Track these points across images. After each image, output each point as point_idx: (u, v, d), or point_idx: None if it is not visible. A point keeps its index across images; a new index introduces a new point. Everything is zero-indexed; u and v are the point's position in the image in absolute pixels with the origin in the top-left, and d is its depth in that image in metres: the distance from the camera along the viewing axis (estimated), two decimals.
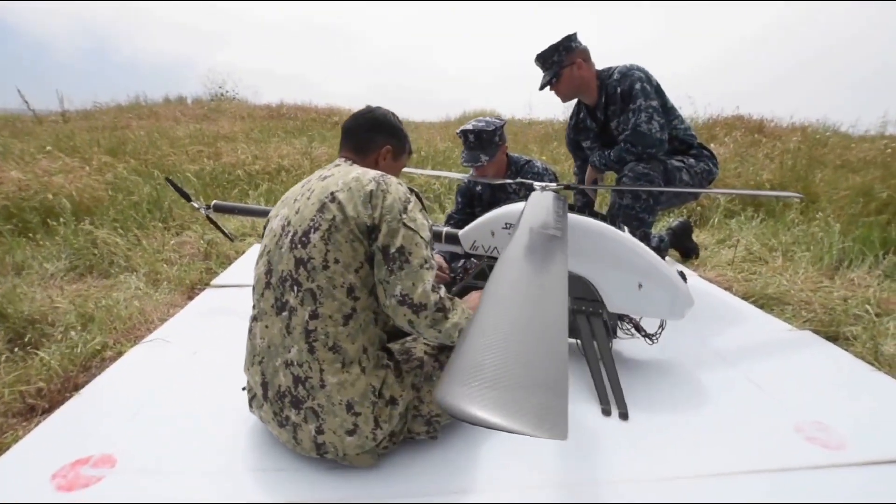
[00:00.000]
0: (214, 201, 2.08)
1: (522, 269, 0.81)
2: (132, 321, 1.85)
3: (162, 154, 4.59)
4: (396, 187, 1.07)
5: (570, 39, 1.99)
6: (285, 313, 1.03)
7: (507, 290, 0.72)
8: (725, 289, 2.27)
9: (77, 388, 1.43)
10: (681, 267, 2.53)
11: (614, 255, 1.39)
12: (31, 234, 2.70)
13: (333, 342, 1.00)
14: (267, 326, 1.06)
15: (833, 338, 1.77)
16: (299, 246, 1.03)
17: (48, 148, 3.87)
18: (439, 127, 7.20)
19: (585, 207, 2.30)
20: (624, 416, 1.28)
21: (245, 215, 2.06)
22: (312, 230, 1.02)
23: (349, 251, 1.01)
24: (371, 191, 1.04)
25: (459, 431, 1.21)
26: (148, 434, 1.21)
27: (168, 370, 1.51)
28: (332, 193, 1.04)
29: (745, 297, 2.15)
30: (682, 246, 2.67)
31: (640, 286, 1.38)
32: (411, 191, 1.12)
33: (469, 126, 1.88)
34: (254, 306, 1.12)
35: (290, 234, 1.06)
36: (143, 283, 2.21)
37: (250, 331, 1.12)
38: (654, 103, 1.91)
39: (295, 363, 1.01)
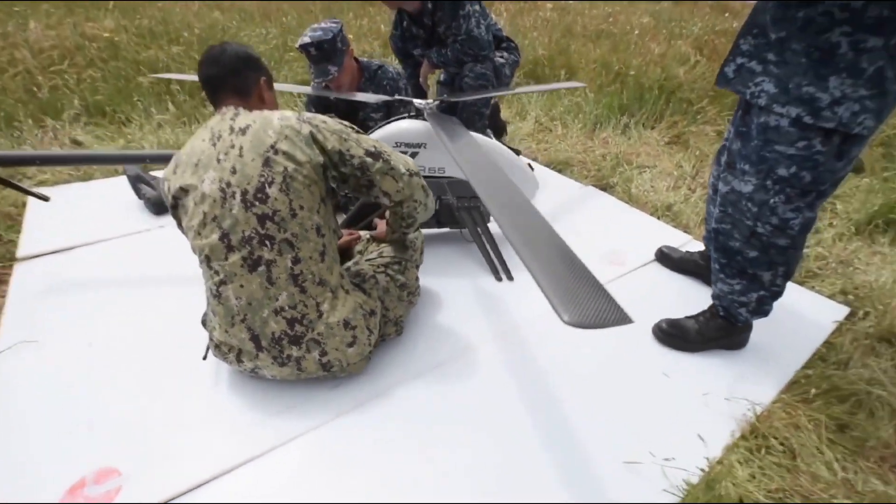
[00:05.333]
0: None
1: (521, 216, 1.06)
2: None
3: None
4: (321, 119, 1.16)
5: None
6: (262, 267, 1.10)
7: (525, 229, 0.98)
8: (533, 159, 2.90)
9: None
10: (527, 160, 3.05)
11: (493, 158, 1.72)
12: None
13: (319, 278, 1.15)
14: (242, 286, 1.11)
15: (603, 188, 2.57)
16: (257, 203, 1.07)
17: None
18: None
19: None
20: (510, 278, 1.77)
21: (43, 165, 1.62)
22: (267, 185, 1.07)
23: (308, 196, 1.11)
24: (310, 132, 1.11)
25: (411, 329, 1.51)
26: (125, 429, 1.17)
27: (90, 368, 1.34)
28: (271, 146, 1.08)
29: (547, 165, 2.82)
30: (493, 125, 3.18)
31: None
32: None
33: (307, 39, 1.77)
34: (215, 272, 1.13)
35: (239, 194, 1.07)
36: None
37: (218, 295, 1.14)
38: (478, 7, 2.12)
39: (287, 307, 1.13)
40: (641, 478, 1.12)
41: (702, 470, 1.14)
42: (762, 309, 1.39)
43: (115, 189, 2.17)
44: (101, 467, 1.08)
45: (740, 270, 1.35)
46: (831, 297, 1.80)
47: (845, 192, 2.54)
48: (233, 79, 1.19)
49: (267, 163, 1.07)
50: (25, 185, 1.95)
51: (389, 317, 1.36)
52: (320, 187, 1.14)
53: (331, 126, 1.16)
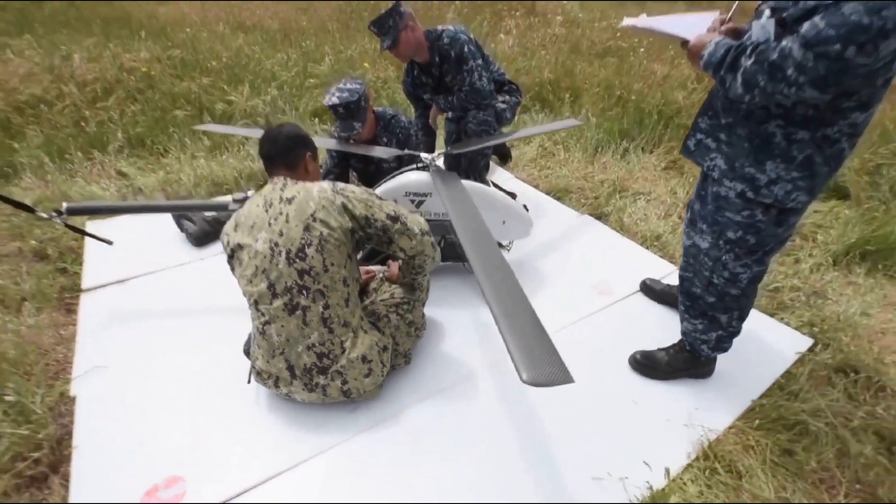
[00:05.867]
0: (65, 204, 1.84)
1: (495, 271, 1.29)
2: (29, 359, 1.72)
3: None
4: (352, 189, 1.42)
5: (399, 5, 2.22)
6: (299, 311, 1.36)
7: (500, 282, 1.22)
8: (535, 187, 3.12)
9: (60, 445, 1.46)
10: (523, 201, 3.26)
11: (489, 205, 1.95)
12: None
13: (344, 320, 1.40)
14: (283, 326, 1.38)
15: (599, 217, 2.77)
16: (298, 260, 1.34)
17: None
18: None
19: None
20: None
21: (111, 214, 1.90)
22: (306, 246, 1.33)
23: (338, 254, 1.37)
24: (342, 203, 1.37)
25: (418, 359, 1.76)
26: (188, 436, 1.44)
27: (153, 390, 1.62)
28: (312, 215, 1.34)
29: (548, 192, 3.03)
30: (499, 152, 3.40)
31: (504, 223, 2.01)
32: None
33: (335, 100, 2.02)
34: (262, 314, 1.40)
35: (284, 253, 1.34)
36: None
37: (263, 332, 1.41)
38: (480, 61, 2.36)
39: (317, 344, 1.39)
40: (606, 491, 1.35)
41: (657, 487, 1.36)
42: (721, 346, 1.60)
43: (160, 222, 2.45)
44: (170, 475, 1.35)
45: (702, 312, 1.56)
46: (799, 327, 1.99)
47: (826, 221, 2.71)
48: (285, 155, 1.46)
49: (307, 228, 1.33)
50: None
51: (399, 350, 1.61)
52: (348, 247, 1.40)
53: (359, 195, 1.41)
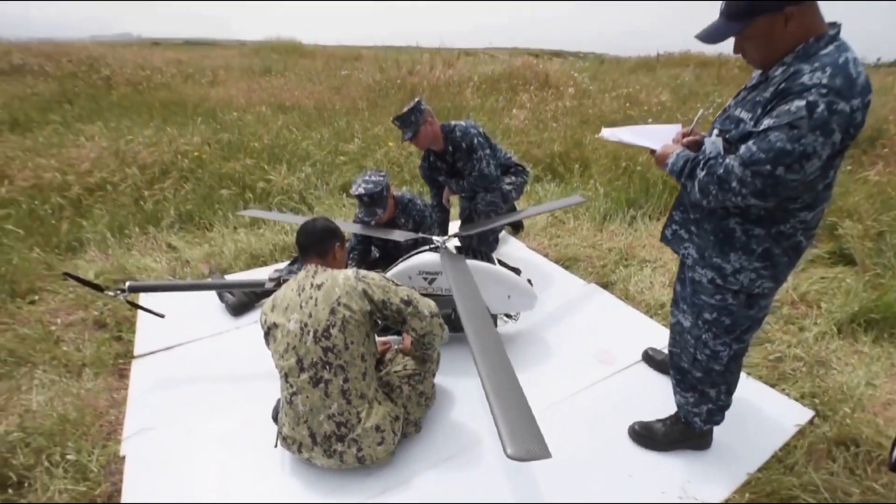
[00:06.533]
0: (128, 283, 2.15)
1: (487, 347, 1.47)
2: (86, 420, 1.95)
3: None
4: (372, 276, 1.63)
5: (420, 103, 2.58)
6: (321, 385, 1.55)
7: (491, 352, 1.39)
8: (544, 255, 3.31)
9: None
10: (533, 271, 3.45)
11: (495, 282, 2.15)
12: None
13: (361, 392, 1.58)
14: (308, 397, 1.56)
15: (605, 285, 2.92)
16: (323, 339, 1.54)
17: None
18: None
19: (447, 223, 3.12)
20: None
21: (166, 291, 2.19)
22: (331, 327, 1.54)
23: (358, 334, 1.57)
24: (363, 289, 1.59)
25: (428, 427, 1.90)
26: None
27: (193, 450, 1.81)
28: (337, 300, 1.56)
29: (556, 261, 3.21)
30: (512, 222, 3.64)
31: (509, 297, 2.19)
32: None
33: (361, 190, 2.32)
34: (290, 385, 1.60)
35: (312, 332, 1.55)
36: (55, 374, 2.18)
37: (290, 402, 1.60)
38: (487, 151, 2.69)
39: (336, 414, 1.56)
40: None
41: None
42: (713, 419, 1.69)
43: (203, 294, 2.74)
44: None
45: (692, 386, 1.67)
46: (800, 398, 2.05)
47: (831, 288, 2.77)
48: (318, 246, 1.71)
49: (332, 311, 1.55)
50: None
51: (411, 419, 1.76)
52: (366, 326, 1.61)
53: (378, 282, 1.63)
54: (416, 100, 2.59)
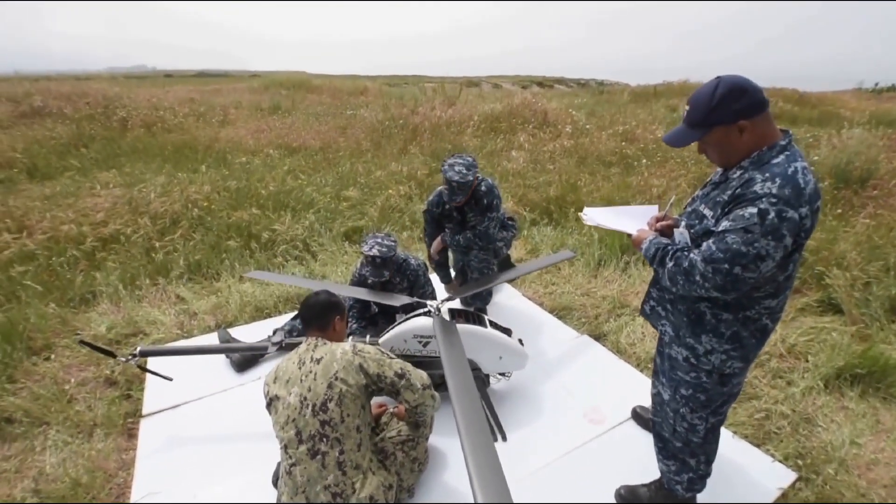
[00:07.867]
0: (139, 347, 2.27)
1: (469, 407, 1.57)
2: (97, 483, 2.04)
3: None
4: (368, 350, 1.74)
5: (475, 163, 2.73)
6: (319, 456, 1.64)
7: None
8: (539, 304, 3.41)
9: None
10: (527, 323, 3.38)
11: (487, 345, 2.25)
12: None
13: (356, 463, 1.67)
14: (305, 468, 1.65)
15: (597, 337, 3.00)
16: (321, 413, 1.64)
17: None
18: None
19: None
20: (504, 439, 2.21)
21: (175, 355, 2.31)
22: (328, 401, 1.64)
23: (353, 406, 1.67)
24: (359, 363, 1.69)
25: (421, 492, 1.98)
26: None
27: None
28: (335, 374, 1.66)
29: (551, 311, 3.31)
30: (505, 264, 3.75)
31: (501, 358, 2.29)
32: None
33: (376, 252, 2.45)
34: (290, 456, 1.68)
35: (310, 406, 1.65)
36: (68, 435, 2.29)
37: (290, 473, 1.68)
38: (498, 214, 2.86)
39: (332, 485, 1.64)
40: None
41: None
42: (693, 488, 1.75)
43: None
44: None
45: (672, 454, 1.74)
46: (785, 459, 2.10)
47: (819, 340, 2.84)
48: (318, 319, 1.83)
49: (330, 386, 1.65)
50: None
51: (404, 486, 1.84)
52: (362, 399, 1.70)
53: (373, 356, 1.73)
54: (472, 159, 2.70)
